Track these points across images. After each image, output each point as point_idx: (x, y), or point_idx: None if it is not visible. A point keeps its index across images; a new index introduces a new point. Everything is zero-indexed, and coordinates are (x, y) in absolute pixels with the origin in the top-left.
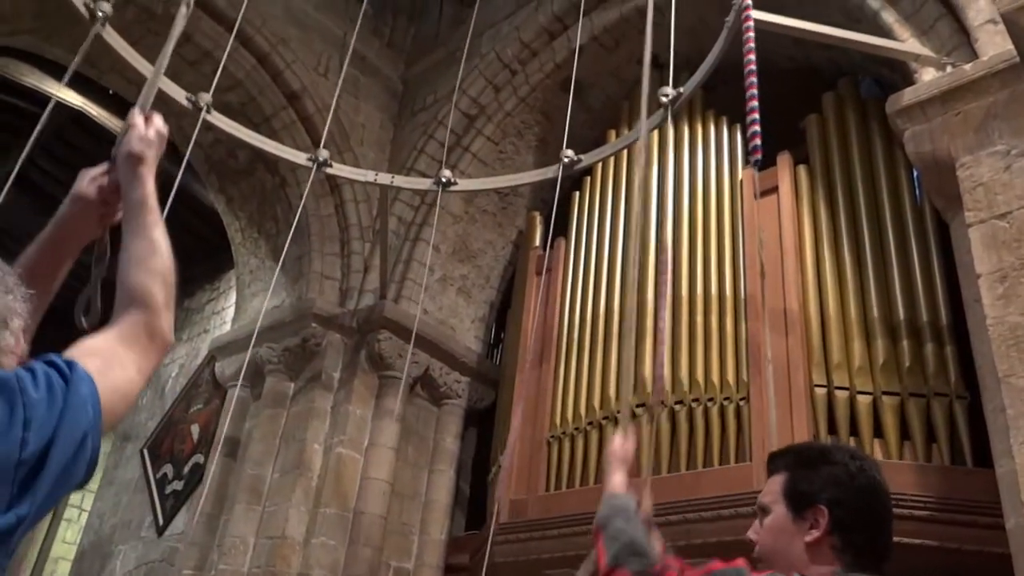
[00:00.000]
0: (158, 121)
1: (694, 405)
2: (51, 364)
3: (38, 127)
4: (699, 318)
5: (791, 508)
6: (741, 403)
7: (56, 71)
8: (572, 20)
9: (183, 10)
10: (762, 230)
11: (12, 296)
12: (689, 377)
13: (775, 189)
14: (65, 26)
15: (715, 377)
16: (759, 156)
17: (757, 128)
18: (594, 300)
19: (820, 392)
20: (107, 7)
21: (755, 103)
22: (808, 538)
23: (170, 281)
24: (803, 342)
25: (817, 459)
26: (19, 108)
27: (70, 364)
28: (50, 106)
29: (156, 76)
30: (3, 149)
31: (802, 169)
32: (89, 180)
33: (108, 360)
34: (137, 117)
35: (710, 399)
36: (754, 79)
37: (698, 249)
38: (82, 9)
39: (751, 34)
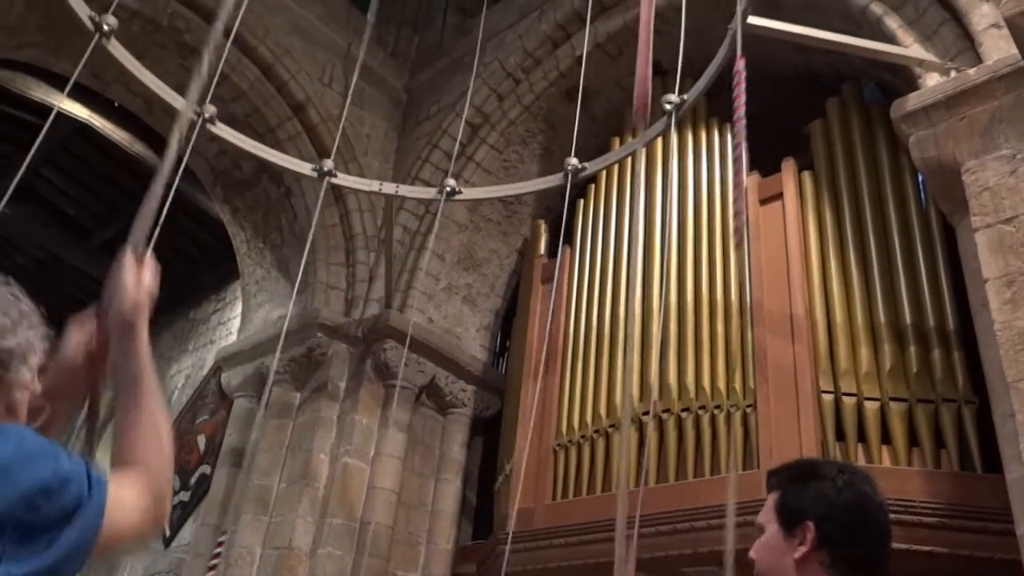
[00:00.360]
0: (149, 272)
1: (701, 413)
2: (86, 461)
3: (40, 135)
4: (705, 325)
5: (782, 525)
6: (748, 410)
7: (62, 84)
8: (575, 28)
9: (184, 111)
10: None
11: (34, 332)
12: (695, 385)
13: (780, 195)
14: (71, 39)
15: (721, 384)
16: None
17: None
18: (599, 307)
19: (827, 398)
20: (112, 20)
21: (742, 140)
22: (796, 554)
23: (171, 458)
24: (810, 348)
25: (806, 475)
26: (26, 121)
27: (100, 478)
28: (52, 116)
29: (146, 213)
30: (9, 161)
31: (807, 175)
32: (75, 346)
33: (118, 503)
34: (129, 272)
35: (717, 406)
36: (743, 109)
37: (703, 256)
38: (87, 22)
39: (742, 79)
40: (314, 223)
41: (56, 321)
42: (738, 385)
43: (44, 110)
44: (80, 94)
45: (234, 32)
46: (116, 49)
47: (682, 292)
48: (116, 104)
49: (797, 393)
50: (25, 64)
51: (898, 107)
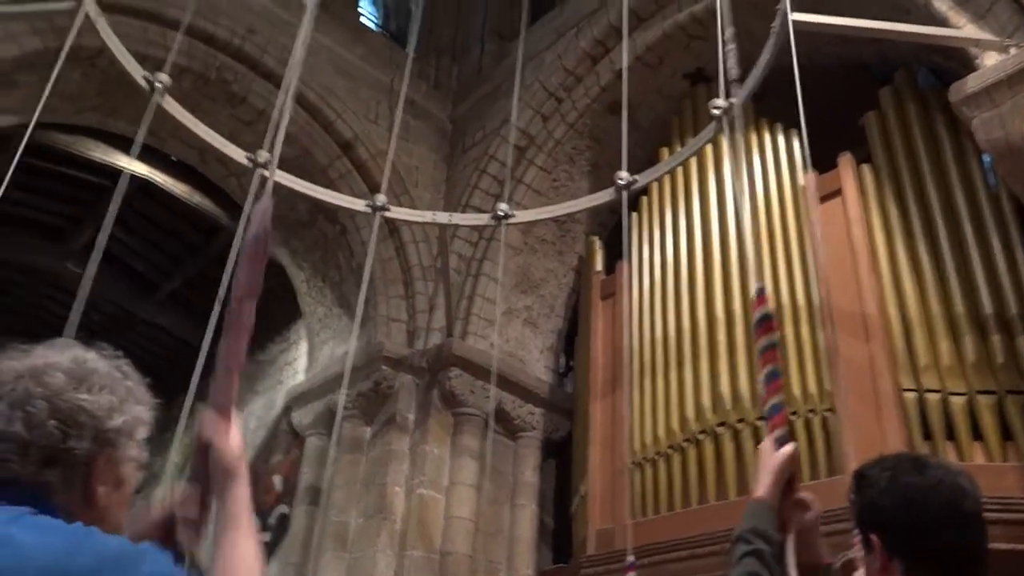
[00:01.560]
0: (235, 427)
1: None
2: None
3: (114, 199)
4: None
5: (864, 545)
6: (827, 414)
7: (120, 142)
8: (613, 43)
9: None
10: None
11: (141, 407)
12: None
13: (839, 191)
14: (127, 99)
15: (796, 389)
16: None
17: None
18: (663, 319)
19: (910, 396)
20: (165, 78)
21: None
22: (878, 568)
23: None
24: (886, 346)
25: (860, 484)
26: (88, 182)
27: None
28: (123, 180)
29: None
30: (76, 222)
31: (866, 168)
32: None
33: None
34: (219, 432)
35: (793, 412)
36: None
37: (765, 258)
38: (141, 82)
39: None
40: (371, 258)
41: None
42: (814, 388)
43: (105, 170)
44: (139, 152)
45: (292, 88)
46: (170, 105)
47: (747, 298)
48: (173, 158)
49: (877, 393)
50: (84, 127)
51: (957, 90)
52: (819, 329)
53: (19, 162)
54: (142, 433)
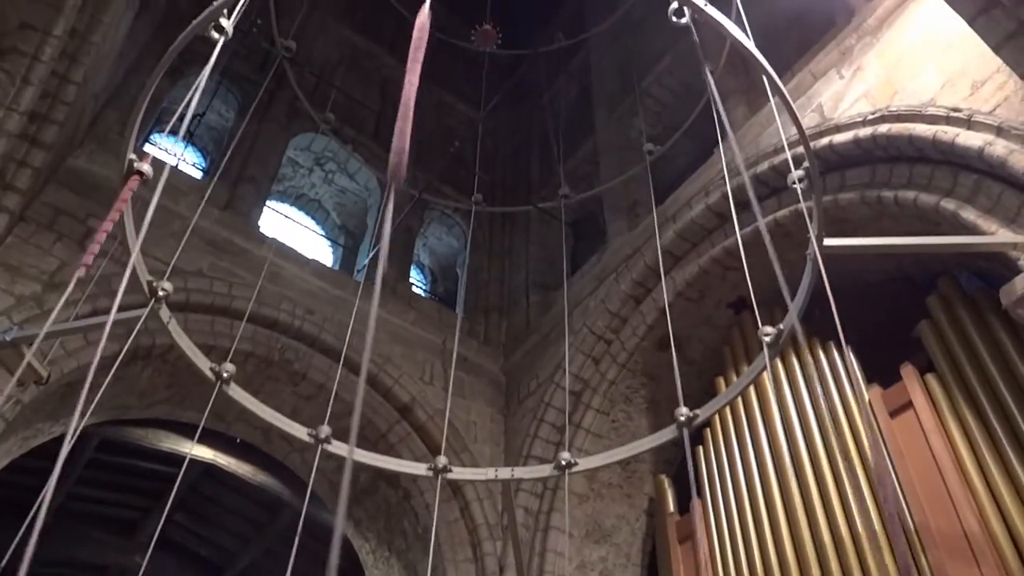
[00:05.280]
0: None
1: None
2: None
3: (174, 488)
4: (869, 558)
5: None
6: None
7: (188, 430)
8: (653, 282)
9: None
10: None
11: None
12: None
13: (909, 404)
14: (195, 389)
15: None
16: None
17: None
18: (747, 558)
19: None
20: (230, 367)
21: None
22: None
23: None
24: (1000, 568)
25: None
26: (157, 472)
27: None
28: (184, 465)
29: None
30: (145, 512)
31: (931, 378)
32: None
33: None
34: None
35: None
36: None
37: (844, 482)
38: (208, 374)
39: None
40: (434, 523)
41: None
42: None
43: (173, 458)
44: (205, 437)
45: (343, 354)
46: (235, 392)
47: (833, 525)
48: (238, 440)
49: None
50: (155, 419)
51: (1008, 293)
52: (919, 554)
53: (91, 460)
54: None
